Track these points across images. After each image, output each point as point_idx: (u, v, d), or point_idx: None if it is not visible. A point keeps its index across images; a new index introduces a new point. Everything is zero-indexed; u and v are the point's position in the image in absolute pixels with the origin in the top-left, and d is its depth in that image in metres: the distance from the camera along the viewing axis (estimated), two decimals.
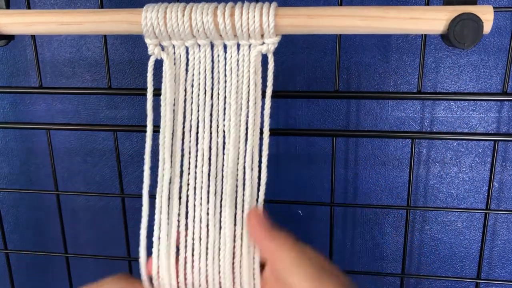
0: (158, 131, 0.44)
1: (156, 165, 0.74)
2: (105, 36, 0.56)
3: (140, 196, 0.72)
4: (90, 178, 0.76)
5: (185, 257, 0.43)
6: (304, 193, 0.71)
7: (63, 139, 0.74)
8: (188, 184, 0.44)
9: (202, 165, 0.43)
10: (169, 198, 0.44)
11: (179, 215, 0.44)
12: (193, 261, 0.43)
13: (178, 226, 0.44)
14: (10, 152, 0.76)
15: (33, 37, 0.58)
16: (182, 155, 0.44)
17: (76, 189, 0.76)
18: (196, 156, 0.44)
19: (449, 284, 0.72)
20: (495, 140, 0.54)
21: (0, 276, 0.83)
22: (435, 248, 0.71)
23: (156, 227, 0.45)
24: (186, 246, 0.44)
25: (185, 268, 0.43)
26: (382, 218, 0.71)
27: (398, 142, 0.67)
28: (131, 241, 0.77)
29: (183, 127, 0.44)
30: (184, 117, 0.44)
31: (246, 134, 0.43)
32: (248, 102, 0.43)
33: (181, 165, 0.44)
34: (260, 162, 0.42)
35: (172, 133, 0.44)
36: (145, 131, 0.44)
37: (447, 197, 0.68)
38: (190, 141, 0.44)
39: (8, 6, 0.50)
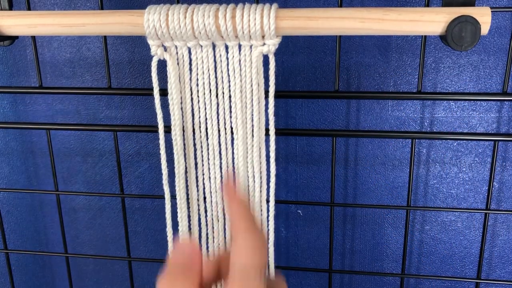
0: (166, 131, 0.47)
1: (156, 164, 0.74)
2: (105, 36, 0.56)
3: (140, 196, 0.72)
4: (90, 178, 0.76)
5: (207, 233, 0.50)
6: (304, 193, 0.71)
7: (63, 139, 0.74)
8: (203, 174, 0.48)
9: (214, 158, 0.48)
10: (187, 186, 0.49)
11: (198, 200, 0.50)
12: (213, 237, 0.50)
13: (198, 210, 0.50)
14: (10, 152, 0.76)
15: (33, 37, 0.58)
16: (195, 150, 0.48)
17: (76, 189, 0.76)
18: (208, 150, 0.47)
19: (449, 284, 0.72)
20: (495, 140, 0.54)
21: (0, 276, 0.83)
22: (435, 248, 0.71)
23: (179, 211, 0.49)
24: (207, 225, 0.50)
25: (206, 242, 0.51)
26: (382, 218, 0.71)
27: (398, 142, 0.67)
28: (131, 241, 0.77)
29: (193, 124, 0.47)
30: (193, 114, 0.47)
31: (253, 131, 0.46)
32: (252, 101, 0.45)
33: (195, 158, 0.48)
34: (268, 157, 0.47)
35: (183, 130, 0.47)
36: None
37: (447, 197, 0.68)
38: (200, 137, 0.47)
39: (11, 7, 0.50)
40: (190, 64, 0.45)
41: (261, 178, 0.47)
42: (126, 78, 0.70)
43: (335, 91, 0.54)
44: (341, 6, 0.52)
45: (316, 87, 0.66)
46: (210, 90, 0.45)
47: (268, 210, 0.48)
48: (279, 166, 0.70)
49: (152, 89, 0.47)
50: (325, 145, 0.69)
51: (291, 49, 0.65)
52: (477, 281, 0.60)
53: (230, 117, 0.46)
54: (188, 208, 0.50)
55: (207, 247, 0.51)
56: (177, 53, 0.44)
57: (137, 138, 0.72)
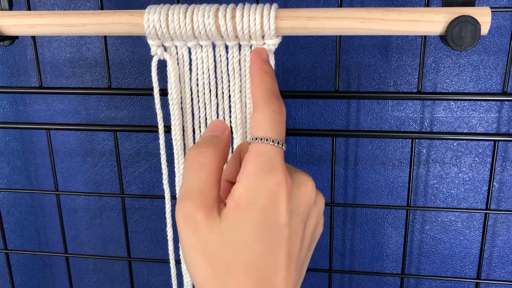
0: (166, 131, 0.47)
1: (156, 164, 0.74)
2: (105, 36, 0.56)
3: (140, 196, 0.72)
4: (90, 178, 0.76)
5: None
6: None
7: (63, 139, 0.74)
8: None
9: None
10: None
11: None
12: None
13: None
14: (10, 152, 0.76)
15: (33, 37, 0.58)
16: None
17: (76, 189, 0.76)
18: None
19: (449, 284, 0.72)
20: (495, 140, 0.54)
21: (0, 276, 0.83)
22: (435, 248, 0.71)
23: None
24: None
25: None
26: (382, 218, 0.71)
27: (398, 142, 0.67)
28: (131, 241, 0.77)
29: (193, 124, 0.47)
30: (193, 114, 0.46)
31: None
32: (251, 100, 0.44)
33: None
34: None
35: (183, 130, 0.47)
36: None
37: (447, 197, 0.68)
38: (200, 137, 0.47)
39: (11, 7, 0.50)
40: (190, 64, 0.45)
41: None
42: (126, 78, 0.70)
43: (335, 91, 0.54)
44: (341, 6, 0.52)
45: (316, 87, 0.66)
46: (210, 90, 0.45)
47: None
48: None
49: (152, 89, 0.47)
50: (325, 145, 0.69)
51: (291, 49, 0.65)
52: (477, 281, 0.60)
53: (230, 117, 0.46)
54: None
55: None
56: (177, 53, 0.44)
57: (137, 138, 0.72)
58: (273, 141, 0.35)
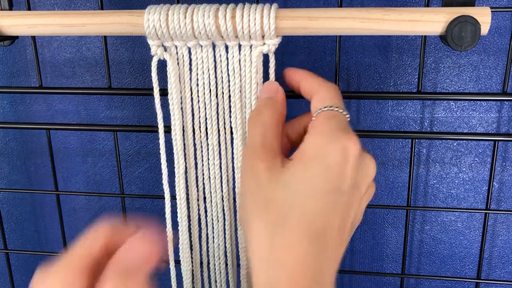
0: (166, 131, 0.47)
1: (156, 164, 0.74)
2: (105, 36, 0.56)
3: (140, 196, 0.72)
4: (90, 178, 0.76)
5: (207, 234, 0.50)
6: None
7: (63, 139, 0.74)
8: (203, 174, 0.48)
9: (214, 158, 0.48)
10: (187, 186, 0.49)
11: (198, 200, 0.50)
12: (213, 237, 0.50)
13: (198, 210, 0.50)
14: (10, 152, 0.76)
15: (33, 37, 0.58)
16: (195, 150, 0.48)
17: (76, 189, 0.76)
18: (208, 150, 0.48)
19: (449, 284, 0.72)
20: (495, 140, 0.54)
21: (0, 276, 0.83)
22: (435, 248, 0.71)
23: (178, 211, 0.49)
24: (207, 225, 0.50)
25: (206, 242, 0.51)
26: (382, 218, 0.71)
27: (398, 142, 0.67)
28: None
29: (193, 124, 0.47)
30: (193, 114, 0.47)
31: None
32: (251, 101, 0.45)
33: (195, 158, 0.48)
34: None
35: (183, 130, 0.47)
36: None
37: (447, 197, 0.68)
38: (200, 137, 0.47)
39: (11, 7, 0.50)
40: (190, 64, 0.45)
41: None
42: (126, 78, 0.70)
43: None
44: (341, 6, 0.52)
45: None
46: (210, 90, 0.45)
47: None
48: None
49: (152, 89, 0.47)
50: None
51: (291, 49, 0.65)
52: (477, 281, 0.60)
53: (230, 117, 0.46)
54: (188, 208, 0.50)
55: (207, 248, 0.51)
56: (177, 53, 0.44)
57: (137, 138, 0.72)
58: (342, 110, 0.35)
